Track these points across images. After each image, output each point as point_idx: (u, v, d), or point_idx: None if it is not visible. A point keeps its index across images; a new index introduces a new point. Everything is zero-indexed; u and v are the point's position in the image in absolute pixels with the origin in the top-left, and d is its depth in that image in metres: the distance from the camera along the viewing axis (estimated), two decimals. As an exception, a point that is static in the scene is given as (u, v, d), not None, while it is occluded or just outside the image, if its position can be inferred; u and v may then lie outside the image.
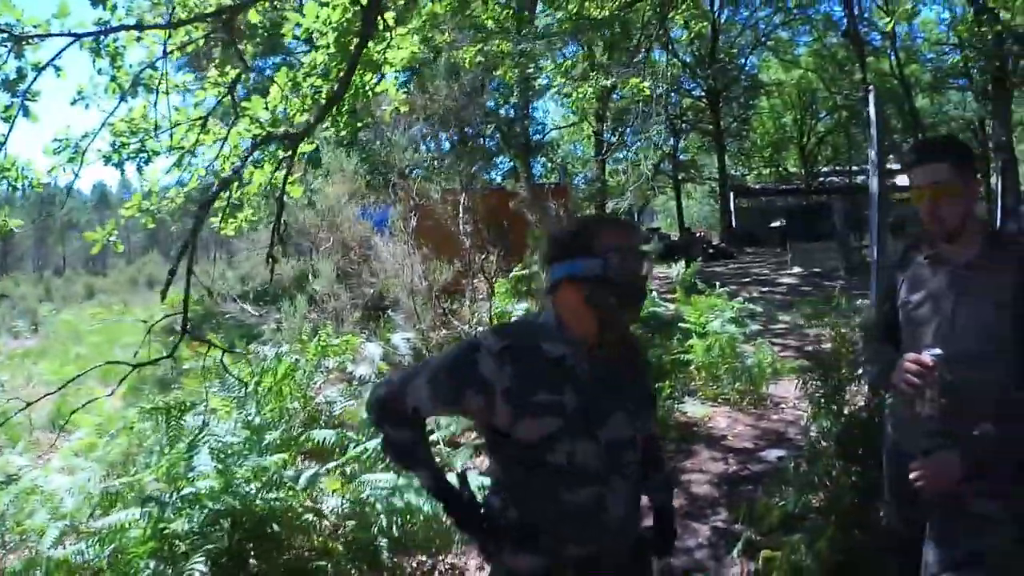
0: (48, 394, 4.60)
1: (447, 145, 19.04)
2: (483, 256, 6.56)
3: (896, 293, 2.84)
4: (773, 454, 6.10)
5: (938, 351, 2.52)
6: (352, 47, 5.46)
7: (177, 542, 3.93)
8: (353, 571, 4.11)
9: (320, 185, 9.33)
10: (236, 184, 5.04)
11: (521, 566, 2.25)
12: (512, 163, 25.23)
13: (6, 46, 4.43)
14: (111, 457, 5.35)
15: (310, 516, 4.19)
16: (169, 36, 5.06)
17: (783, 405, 7.63)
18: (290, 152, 4.84)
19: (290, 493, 4.02)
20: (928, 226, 2.65)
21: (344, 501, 3.97)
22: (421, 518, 4.42)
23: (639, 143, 30.89)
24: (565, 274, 2.14)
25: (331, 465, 3.98)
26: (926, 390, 2.53)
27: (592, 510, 2.18)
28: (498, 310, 5.81)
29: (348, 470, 4.16)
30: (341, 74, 5.58)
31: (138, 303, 24.61)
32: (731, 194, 36.22)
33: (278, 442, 4.25)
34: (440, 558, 4.72)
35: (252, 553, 4.15)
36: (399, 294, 6.55)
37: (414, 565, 4.61)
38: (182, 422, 4.49)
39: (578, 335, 2.15)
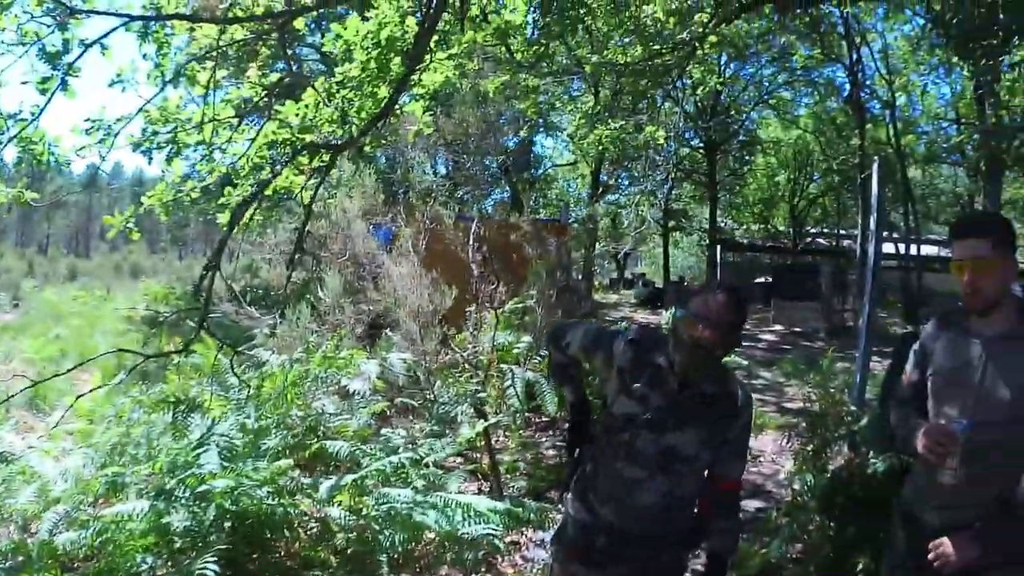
0: (58, 374, 4.56)
1: (442, 169, 19.06)
2: (491, 286, 6.63)
3: (926, 362, 2.91)
4: (752, 505, 6.14)
5: (965, 422, 2.59)
6: (392, 64, 5.52)
7: (175, 539, 3.92)
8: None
9: (333, 197, 9.28)
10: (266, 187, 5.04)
11: (573, 512, 2.96)
12: (507, 194, 25.30)
13: (54, 17, 4.41)
14: (104, 446, 5.28)
15: (314, 525, 4.17)
16: (222, 31, 5.07)
17: (761, 458, 7.73)
18: (328, 161, 4.87)
19: (295, 500, 4.00)
20: (966, 299, 2.71)
21: (347, 513, 3.95)
22: (430, 536, 4.47)
23: (634, 188, 31.10)
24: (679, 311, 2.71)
25: (351, 477, 3.97)
26: (947, 459, 2.59)
27: (630, 487, 2.76)
28: (499, 341, 5.80)
29: (366, 484, 4.15)
30: (373, 90, 5.64)
31: (120, 290, 24.33)
32: (719, 247, 36.36)
33: (278, 449, 4.24)
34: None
35: (248, 556, 4.17)
36: (401, 315, 6.58)
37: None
38: (189, 418, 4.46)
39: (676, 357, 2.68)
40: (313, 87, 5.40)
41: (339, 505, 3.98)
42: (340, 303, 7.53)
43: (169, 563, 3.88)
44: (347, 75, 5.74)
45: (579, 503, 2.94)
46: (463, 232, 7.18)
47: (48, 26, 4.39)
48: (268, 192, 5.73)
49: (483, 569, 4.84)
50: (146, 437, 5.03)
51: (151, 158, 5.30)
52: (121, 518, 3.90)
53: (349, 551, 4.33)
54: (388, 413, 5.19)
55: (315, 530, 4.32)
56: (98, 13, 4.47)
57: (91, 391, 4.75)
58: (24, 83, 4.56)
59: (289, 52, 6.94)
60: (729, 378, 2.87)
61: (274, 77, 5.76)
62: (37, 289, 23.40)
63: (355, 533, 4.34)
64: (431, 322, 6.34)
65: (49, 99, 4.61)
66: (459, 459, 6.07)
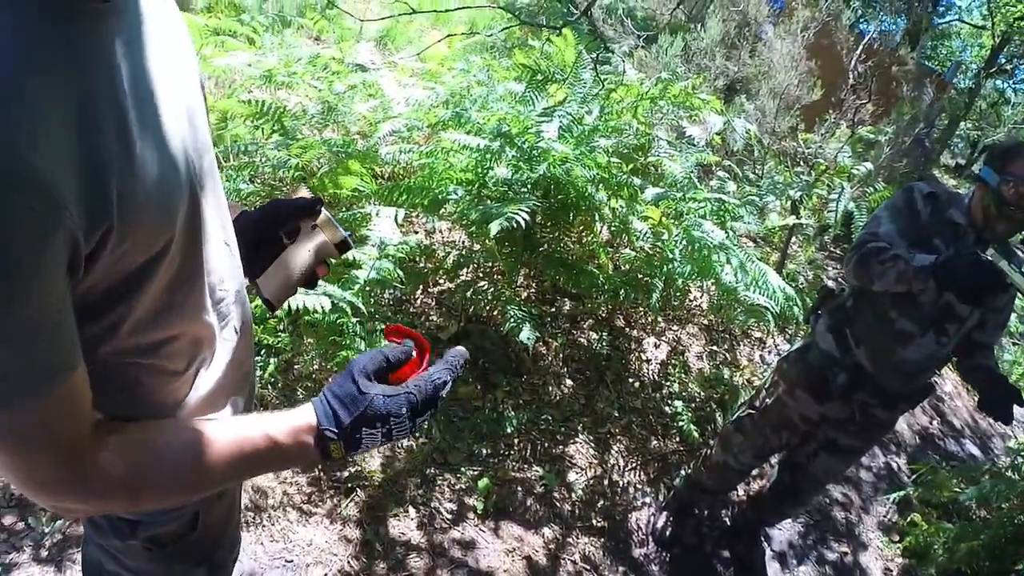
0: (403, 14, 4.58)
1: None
2: (859, 101, 6.32)
3: None
4: (969, 447, 5.79)
5: None
6: None
7: (490, 186, 4.02)
8: (622, 294, 4.19)
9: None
10: None
11: (821, 342, 2.95)
12: (901, 26, 22.70)
13: None
14: (448, 88, 5.47)
15: (616, 227, 4.21)
16: None
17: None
18: None
19: (614, 194, 4.00)
20: None
21: (648, 231, 3.94)
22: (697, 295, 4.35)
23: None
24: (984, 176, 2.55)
25: (679, 194, 3.95)
26: None
27: (898, 339, 2.73)
28: (841, 158, 5.47)
29: (681, 210, 4.12)
30: None
31: (476, -27, 24.68)
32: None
33: (610, 150, 4.22)
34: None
35: (544, 224, 4.31)
36: (764, 87, 6.42)
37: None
38: (544, 89, 4.48)
39: (975, 218, 2.60)
40: None
41: (645, 221, 3.98)
42: (713, 50, 7.27)
43: (476, 202, 3.99)
44: None
45: (831, 335, 2.90)
46: (854, 40, 6.77)
47: None
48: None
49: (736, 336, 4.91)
50: (486, 98, 5.16)
51: None
52: (450, 146, 4.03)
53: (629, 268, 4.39)
54: (713, 170, 5.12)
55: (613, 231, 4.41)
56: None
57: (447, 36, 4.83)
58: None
59: None
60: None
61: None
62: (394, -51, 24.08)
63: (644, 255, 4.39)
64: (789, 107, 6.10)
65: None
66: (750, 243, 5.95)
